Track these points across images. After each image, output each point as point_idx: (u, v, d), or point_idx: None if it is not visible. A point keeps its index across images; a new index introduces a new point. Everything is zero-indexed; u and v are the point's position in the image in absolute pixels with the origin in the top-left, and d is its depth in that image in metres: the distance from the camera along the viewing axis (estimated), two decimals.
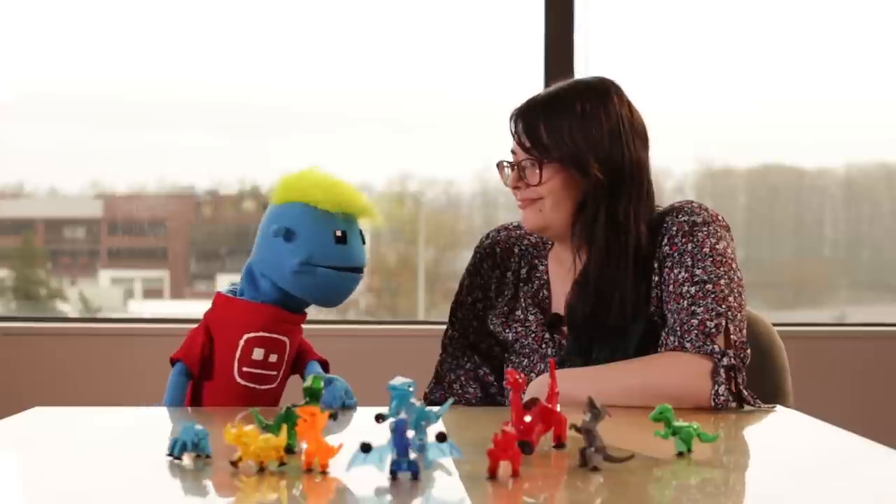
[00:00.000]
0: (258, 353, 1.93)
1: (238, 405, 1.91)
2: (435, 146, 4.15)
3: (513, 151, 2.05)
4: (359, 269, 1.96)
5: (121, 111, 4.11)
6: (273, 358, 1.94)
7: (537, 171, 2.00)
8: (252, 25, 4.10)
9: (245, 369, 1.93)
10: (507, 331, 2.09)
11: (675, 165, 4.07)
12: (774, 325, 2.32)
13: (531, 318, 2.08)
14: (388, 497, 1.26)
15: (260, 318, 1.94)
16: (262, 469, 1.34)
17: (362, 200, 1.99)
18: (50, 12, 4.07)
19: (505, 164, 2.06)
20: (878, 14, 4.14)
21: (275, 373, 1.95)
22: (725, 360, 1.88)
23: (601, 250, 2.00)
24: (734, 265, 1.99)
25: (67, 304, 4.30)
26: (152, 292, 4.43)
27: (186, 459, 1.41)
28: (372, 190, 4.32)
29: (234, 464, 1.36)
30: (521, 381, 1.43)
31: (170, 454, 1.41)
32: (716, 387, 1.87)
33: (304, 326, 1.99)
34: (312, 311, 2.08)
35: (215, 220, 3.86)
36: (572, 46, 3.82)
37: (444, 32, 4.10)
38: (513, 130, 2.04)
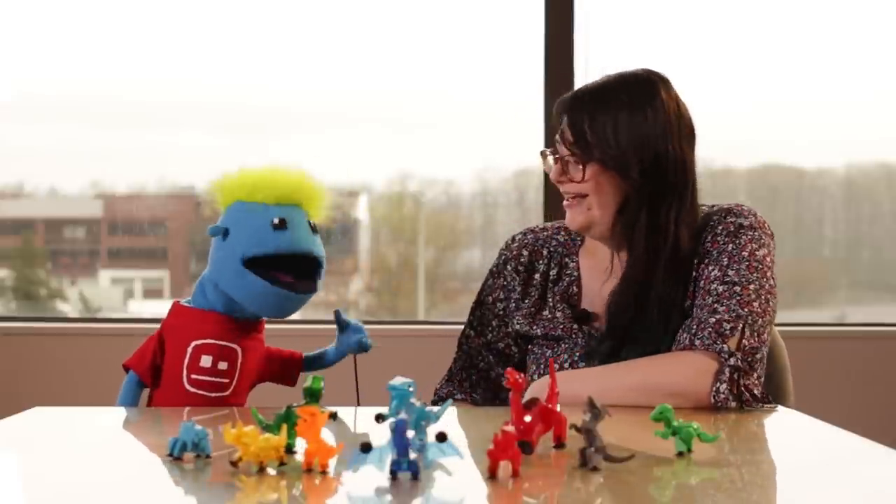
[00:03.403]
0: (206, 361, 1.91)
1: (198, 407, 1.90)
2: (435, 146, 4.15)
3: (557, 141, 2.02)
4: (304, 255, 1.91)
5: (121, 111, 4.11)
6: (223, 366, 1.92)
7: (581, 168, 1.98)
8: (252, 25, 4.10)
9: (193, 376, 1.91)
10: (534, 328, 2.09)
11: None
12: (775, 324, 2.32)
13: (559, 314, 2.08)
14: (388, 497, 1.25)
15: (208, 325, 1.92)
16: (262, 469, 1.34)
17: (299, 189, 1.94)
18: (50, 12, 4.07)
19: (548, 153, 2.04)
20: (878, 14, 4.14)
21: (226, 380, 1.93)
22: (732, 361, 1.88)
23: (641, 255, 1.98)
24: (769, 273, 1.98)
25: (67, 304, 4.30)
26: (152, 292, 4.44)
27: (186, 459, 1.41)
28: (372, 190, 4.32)
29: (234, 464, 1.35)
30: (521, 381, 1.43)
31: (170, 454, 1.41)
32: (717, 384, 1.87)
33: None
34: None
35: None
36: (572, 46, 3.82)
37: (444, 32, 4.10)
38: (561, 125, 2.01)
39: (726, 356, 1.88)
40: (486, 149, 4.10)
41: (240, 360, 1.93)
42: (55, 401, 2.82)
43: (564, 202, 2.03)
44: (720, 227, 2.00)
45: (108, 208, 4.33)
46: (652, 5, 4.12)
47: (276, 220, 1.90)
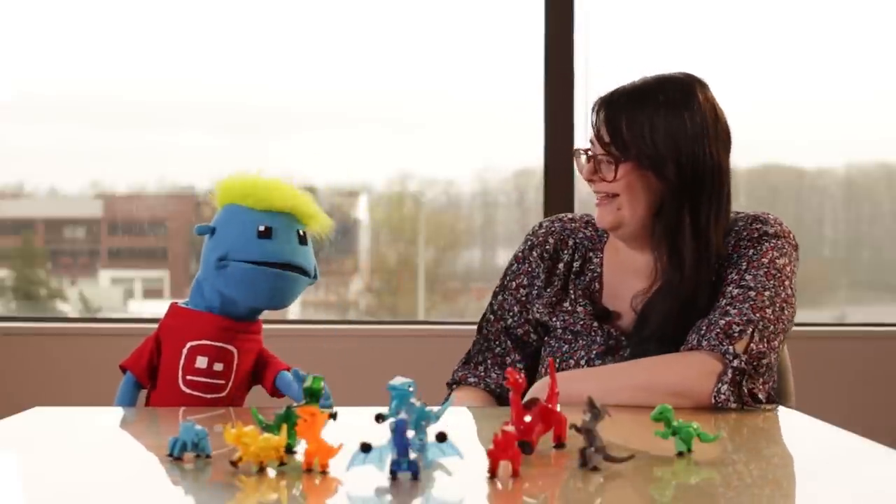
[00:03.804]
0: (202, 362, 1.91)
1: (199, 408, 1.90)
2: (435, 146, 4.15)
3: (591, 141, 2.03)
4: (286, 266, 1.90)
5: (121, 111, 4.11)
6: (218, 367, 1.91)
7: (613, 167, 1.98)
8: (252, 25, 4.10)
9: (189, 378, 1.91)
10: (553, 319, 2.08)
11: None
12: None
13: (580, 309, 2.07)
14: (388, 497, 1.25)
15: (204, 326, 1.92)
16: (262, 469, 1.34)
17: (293, 200, 1.93)
18: (49, 12, 4.07)
19: (581, 152, 2.04)
20: (878, 14, 4.14)
21: (222, 382, 1.92)
22: (736, 363, 1.88)
23: (690, 260, 1.98)
24: (787, 283, 1.98)
25: (67, 304, 4.30)
26: (152, 292, 4.43)
27: (186, 459, 1.41)
28: (372, 190, 4.32)
29: (234, 464, 1.35)
30: (521, 381, 1.43)
31: (170, 454, 1.41)
32: (719, 385, 1.87)
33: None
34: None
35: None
36: (572, 46, 3.82)
37: (444, 32, 4.10)
38: (593, 121, 2.02)
39: (731, 358, 1.88)
40: (486, 149, 4.10)
41: (236, 362, 1.93)
42: (55, 401, 2.82)
43: (595, 201, 2.04)
44: (744, 233, 2.02)
45: (108, 208, 4.33)
46: (652, 5, 4.11)
47: (261, 228, 1.90)
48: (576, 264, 2.13)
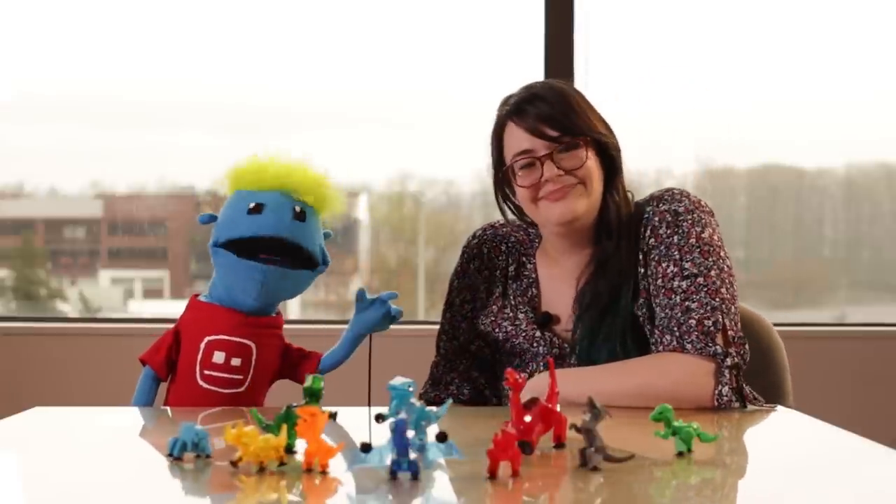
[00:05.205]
0: (219, 357, 1.91)
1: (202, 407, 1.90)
2: (435, 146, 4.15)
3: (525, 151, 1.97)
4: (276, 241, 1.90)
5: (121, 111, 4.11)
6: (236, 362, 1.91)
7: (580, 151, 1.96)
8: (251, 25, 4.10)
9: (206, 372, 1.91)
10: (497, 331, 2.07)
11: (675, 165, 4.07)
12: (774, 325, 2.32)
13: (521, 316, 2.06)
14: (388, 497, 1.26)
15: (221, 320, 1.93)
16: (262, 469, 1.34)
17: (285, 178, 1.94)
18: (50, 12, 4.07)
19: (518, 162, 1.98)
20: (878, 14, 4.14)
21: (240, 377, 1.92)
22: (728, 360, 1.88)
23: (616, 233, 1.99)
24: (722, 253, 1.96)
25: (67, 304, 4.30)
26: (152, 292, 4.43)
27: (186, 459, 1.41)
28: (372, 190, 4.32)
29: (234, 464, 1.36)
30: (521, 381, 1.43)
31: (170, 454, 1.41)
32: (719, 387, 1.87)
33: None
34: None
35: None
36: (572, 46, 3.82)
37: (444, 32, 4.10)
38: (527, 126, 1.96)
39: (722, 357, 1.88)
40: (486, 149, 4.10)
41: (254, 357, 1.93)
42: (55, 401, 2.82)
43: (555, 194, 1.96)
44: (657, 219, 1.98)
45: (108, 208, 4.33)
46: (652, 5, 4.11)
47: (251, 205, 1.91)
48: (511, 268, 2.11)
